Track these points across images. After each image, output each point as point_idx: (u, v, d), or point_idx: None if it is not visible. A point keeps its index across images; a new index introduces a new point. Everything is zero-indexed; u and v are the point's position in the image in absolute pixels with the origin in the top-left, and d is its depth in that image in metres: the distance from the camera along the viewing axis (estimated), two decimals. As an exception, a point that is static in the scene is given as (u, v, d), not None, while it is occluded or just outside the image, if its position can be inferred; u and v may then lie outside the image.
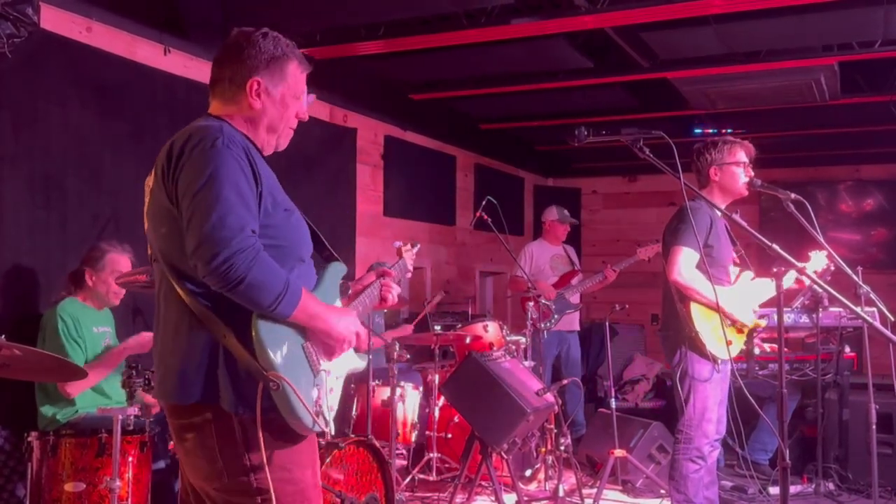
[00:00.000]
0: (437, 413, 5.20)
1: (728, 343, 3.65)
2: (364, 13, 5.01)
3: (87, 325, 3.84)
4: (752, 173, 3.87)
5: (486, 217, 5.49)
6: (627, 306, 5.82)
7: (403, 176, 7.28)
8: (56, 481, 3.30)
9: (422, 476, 5.16)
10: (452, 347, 5.83)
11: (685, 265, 3.72)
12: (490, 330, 5.67)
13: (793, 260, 2.83)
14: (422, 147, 7.64)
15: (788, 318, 5.35)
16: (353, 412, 4.90)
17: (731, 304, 3.80)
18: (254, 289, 1.94)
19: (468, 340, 5.44)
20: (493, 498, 4.81)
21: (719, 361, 3.75)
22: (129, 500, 3.33)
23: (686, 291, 3.72)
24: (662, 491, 4.78)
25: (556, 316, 6.41)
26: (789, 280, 3.70)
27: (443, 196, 8.06)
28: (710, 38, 5.22)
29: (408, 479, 5.05)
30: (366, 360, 2.46)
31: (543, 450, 5.11)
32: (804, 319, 5.41)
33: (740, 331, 3.88)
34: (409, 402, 5.05)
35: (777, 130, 7.77)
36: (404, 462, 5.23)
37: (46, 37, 4.10)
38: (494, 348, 5.33)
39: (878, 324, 2.77)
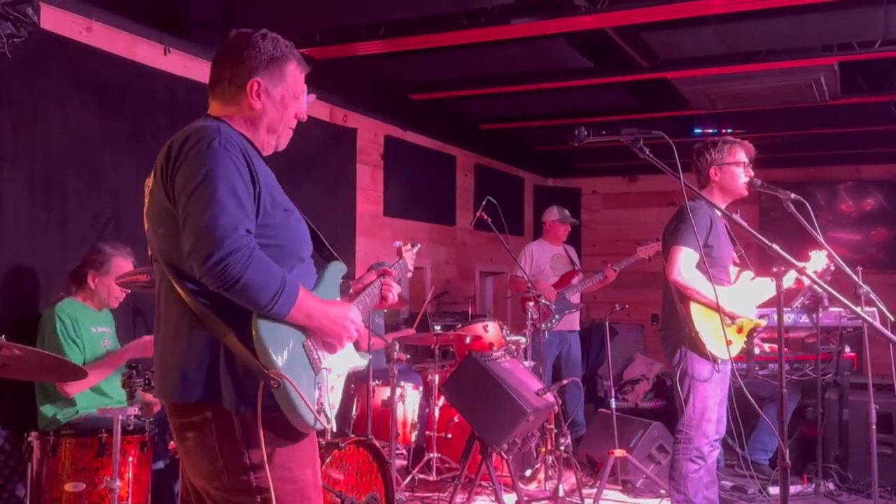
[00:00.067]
0: (437, 413, 5.20)
1: (728, 343, 3.65)
2: (364, 13, 5.01)
3: (85, 326, 3.84)
4: (752, 173, 3.87)
5: (486, 217, 5.50)
6: (627, 306, 5.83)
7: (403, 176, 7.28)
8: (56, 481, 3.30)
9: (422, 476, 5.16)
10: (452, 347, 5.84)
11: (685, 265, 3.72)
12: (490, 330, 5.67)
13: (793, 260, 2.83)
14: (422, 147, 7.64)
15: (788, 318, 5.35)
16: (353, 412, 4.90)
17: (731, 303, 3.80)
18: (250, 288, 1.95)
19: (468, 340, 5.44)
20: (493, 498, 4.81)
21: (719, 361, 3.75)
22: (129, 500, 3.33)
23: (686, 291, 3.73)
24: (662, 491, 4.78)
25: (556, 316, 6.41)
26: (789, 280, 3.70)
27: (443, 196, 8.06)
28: (710, 38, 5.22)
29: (408, 479, 5.05)
30: (367, 359, 2.46)
31: (543, 450, 5.11)
32: (804, 319, 5.41)
33: (740, 330, 3.88)
34: (409, 402, 5.05)
35: (777, 130, 7.77)
36: (404, 462, 5.23)
37: (46, 37, 4.10)
38: (494, 348, 5.34)
39: (878, 324, 2.77)
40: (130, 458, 3.38)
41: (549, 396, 4.47)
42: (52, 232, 4.16)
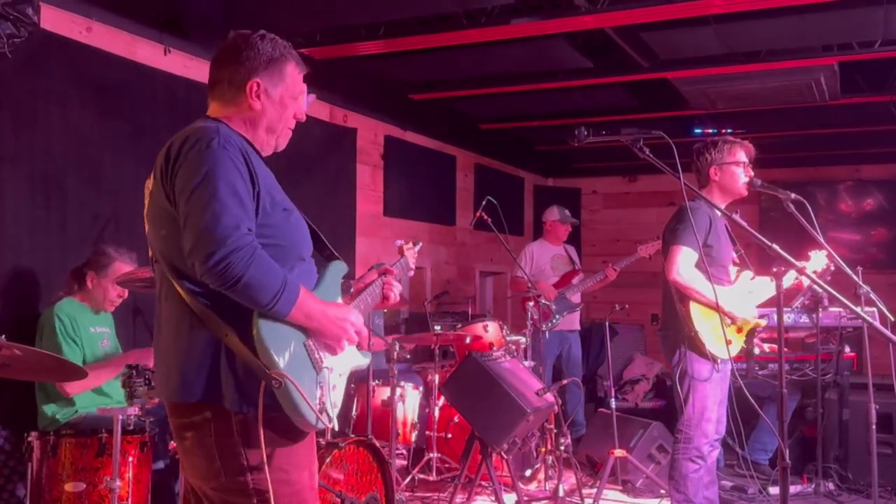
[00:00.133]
0: (437, 413, 5.20)
1: (728, 343, 3.65)
2: (364, 13, 5.01)
3: (84, 325, 3.85)
4: (752, 173, 3.87)
5: (486, 217, 5.50)
6: (627, 306, 5.82)
7: (403, 176, 7.28)
8: (56, 481, 3.30)
9: (422, 476, 5.16)
10: (452, 347, 5.84)
11: (684, 265, 3.72)
12: (490, 330, 5.67)
13: (793, 260, 2.83)
14: (422, 147, 7.64)
15: (788, 318, 5.35)
16: (353, 412, 4.90)
17: (730, 303, 3.80)
18: (251, 287, 1.95)
19: (468, 340, 5.44)
20: (493, 498, 4.81)
21: (719, 361, 3.75)
22: (129, 500, 3.33)
23: (685, 291, 3.73)
24: (662, 491, 4.78)
25: (557, 316, 6.41)
26: (789, 280, 3.70)
27: (443, 196, 8.06)
28: (710, 38, 5.22)
29: (408, 479, 5.05)
30: (369, 358, 2.46)
31: (543, 450, 5.11)
32: (804, 319, 5.42)
33: (740, 330, 3.88)
34: (409, 402, 5.05)
35: (777, 130, 7.77)
36: (404, 462, 5.23)
37: (46, 37, 4.10)
38: (494, 348, 5.34)
39: (878, 324, 2.77)
40: (130, 458, 3.38)
41: (549, 396, 4.47)
42: (52, 232, 4.16)
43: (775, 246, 2.81)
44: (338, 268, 2.39)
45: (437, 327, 5.51)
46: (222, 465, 2.05)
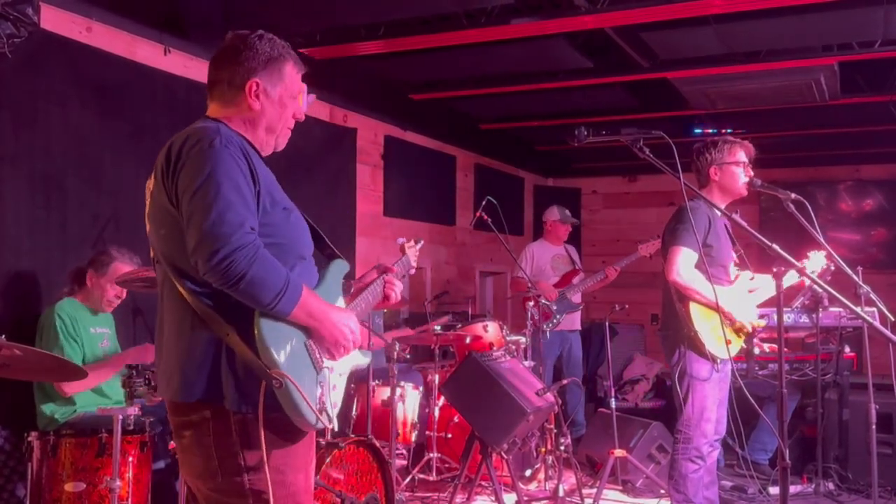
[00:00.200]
0: (437, 413, 5.20)
1: (727, 343, 3.65)
2: (364, 13, 5.01)
3: (84, 325, 3.85)
4: (752, 173, 3.87)
5: (486, 217, 5.50)
6: (627, 306, 5.83)
7: (403, 176, 7.28)
8: (56, 481, 3.30)
9: (422, 476, 5.16)
10: (452, 347, 5.83)
11: (683, 265, 3.72)
12: (490, 330, 5.67)
13: (793, 260, 2.83)
14: (422, 147, 7.64)
15: (788, 318, 5.35)
16: (353, 412, 4.90)
17: (730, 303, 3.79)
18: (254, 285, 1.95)
19: (468, 340, 5.44)
20: (493, 498, 4.81)
21: (719, 361, 3.75)
22: (129, 500, 3.33)
23: (685, 291, 3.73)
24: (662, 491, 4.78)
25: (558, 316, 6.42)
26: (790, 279, 3.69)
27: (443, 196, 8.06)
28: (710, 38, 5.22)
29: (408, 479, 5.05)
30: (369, 357, 2.46)
31: (543, 450, 5.11)
32: (804, 319, 5.41)
33: (740, 330, 3.88)
34: (409, 402, 5.05)
35: (777, 130, 7.77)
36: (404, 462, 5.23)
37: (46, 37, 4.10)
38: (494, 348, 5.33)
39: (878, 324, 2.77)
40: (130, 458, 3.38)
41: (550, 396, 4.47)
42: (52, 232, 4.17)
43: (775, 246, 2.81)
44: (339, 267, 2.40)
45: (437, 327, 5.50)
46: (219, 464, 2.05)
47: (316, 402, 2.09)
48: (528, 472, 5.23)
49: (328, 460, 3.48)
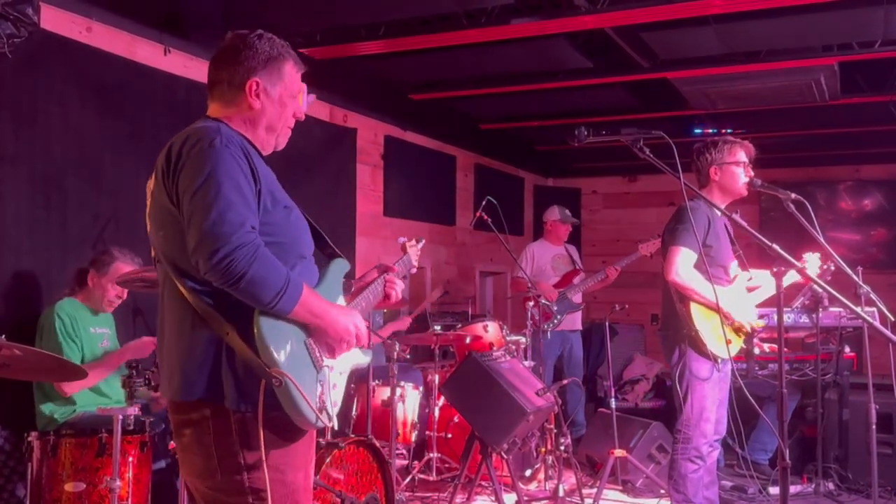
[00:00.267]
0: (437, 413, 5.20)
1: (728, 342, 3.65)
2: (364, 13, 5.01)
3: (84, 325, 3.85)
4: (752, 173, 3.87)
5: (486, 217, 5.49)
6: (627, 306, 5.82)
7: (403, 176, 7.28)
8: (56, 481, 3.30)
9: (422, 476, 5.16)
10: (452, 347, 5.83)
11: (682, 265, 3.72)
12: (490, 330, 5.67)
13: (793, 260, 2.83)
14: (422, 147, 7.64)
15: (788, 318, 5.35)
16: (353, 412, 4.90)
17: (729, 303, 3.79)
18: (255, 284, 1.95)
19: (468, 340, 5.44)
20: (493, 498, 4.81)
21: (719, 360, 3.75)
22: (129, 500, 3.33)
23: (684, 291, 3.73)
24: (662, 491, 4.78)
25: (559, 316, 6.42)
26: (790, 279, 3.69)
27: (443, 196, 8.06)
28: (710, 38, 5.22)
29: (408, 479, 5.05)
30: (370, 356, 2.46)
31: (543, 450, 5.11)
32: (804, 319, 5.41)
33: (739, 329, 3.88)
34: (409, 402, 5.05)
35: (777, 130, 7.77)
36: (404, 462, 5.23)
37: (46, 37, 4.10)
38: (494, 348, 5.33)
39: (878, 324, 2.77)
40: (130, 458, 3.38)
41: (550, 396, 4.47)
42: (52, 232, 4.17)
43: (775, 246, 2.81)
44: (340, 266, 2.40)
45: (437, 327, 5.50)
46: (219, 463, 2.05)
47: (316, 400, 2.09)
48: (528, 472, 5.23)
49: (328, 460, 3.48)
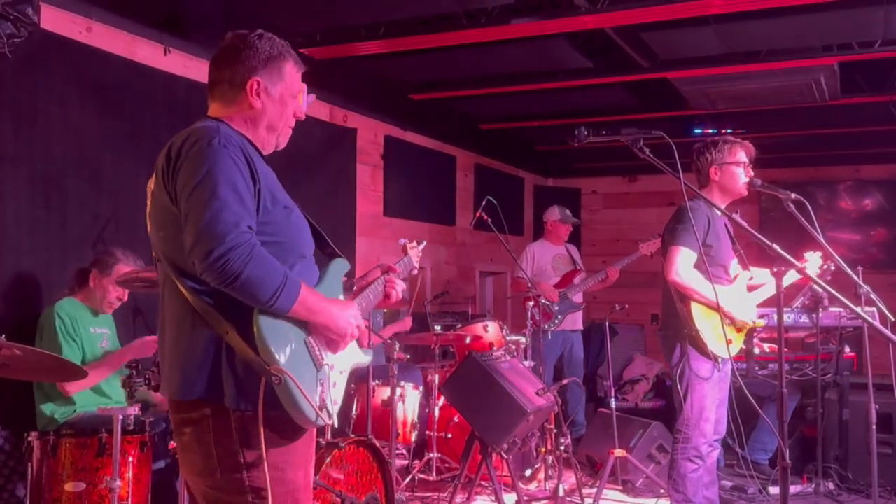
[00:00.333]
0: (437, 413, 5.20)
1: (728, 342, 3.65)
2: (364, 13, 5.01)
3: (84, 325, 3.85)
4: (752, 173, 3.87)
5: (486, 217, 5.49)
6: (627, 306, 5.82)
7: (403, 176, 7.28)
8: (56, 481, 3.30)
9: (422, 476, 5.16)
10: (452, 347, 5.84)
11: (682, 265, 3.72)
12: (490, 330, 5.67)
13: (793, 260, 2.83)
14: (422, 147, 7.64)
15: (788, 318, 5.35)
16: (353, 412, 4.90)
17: (729, 303, 3.80)
18: (251, 284, 1.95)
19: (468, 340, 5.44)
20: (493, 498, 4.81)
21: (720, 360, 3.75)
22: (129, 500, 3.33)
23: (684, 291, 3.73)
24: (662, 491, 4.78)
25: (559, 316, 6.42)
26: (790, 279, 3.69)
27: (443, 196, 8.06)
28: (710, 38, 5.22)
29: (408, 479, 5.05)
30: (370, 355, 2.46)
31: (543, 450, 5.11)
32: (804, 319, 5.41)
33: (739, 329, 3.88)
34: (409, 402, 5.05)
35: (777, 130, 7.77)
36: (404, 462, 5.23)
37: (46, 37, 4.10)
38: (494, 348, 5.34)
39: (878, 324, 2.77)
40: (130, 458, 3.38)
41: (550, 396, 4.47)
42: (52, 232, 4.17)
43: (775, 246, 2.81)
44: (340, 265, 2.40)
45: (437, 327, 5.50)
46: (219, 462, 2.05)
47: (316, 398, 2.09)
48: (528, 472, 5.23)
49: (328, 460, 3.48)
